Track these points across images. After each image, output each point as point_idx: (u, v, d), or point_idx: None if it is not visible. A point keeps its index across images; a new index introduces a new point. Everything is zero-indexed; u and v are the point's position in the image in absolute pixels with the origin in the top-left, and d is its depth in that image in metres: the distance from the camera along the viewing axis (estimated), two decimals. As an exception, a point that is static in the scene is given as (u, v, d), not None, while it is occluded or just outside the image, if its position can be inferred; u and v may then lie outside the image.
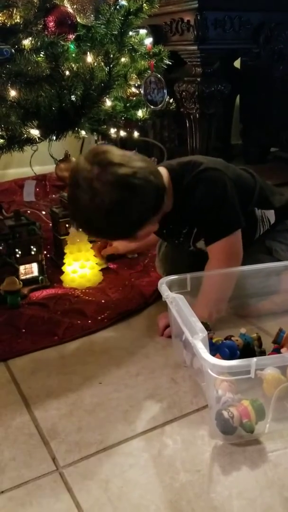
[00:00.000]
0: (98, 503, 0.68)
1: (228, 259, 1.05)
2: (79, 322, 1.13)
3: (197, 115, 1.89)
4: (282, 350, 0.93)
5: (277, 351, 0.94)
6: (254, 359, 0.73)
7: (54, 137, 1.37)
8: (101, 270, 1.35)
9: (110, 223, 0.96)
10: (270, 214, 1.16)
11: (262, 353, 0.95)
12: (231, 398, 0.78)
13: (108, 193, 0.92)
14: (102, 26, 1.36)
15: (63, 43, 1.24)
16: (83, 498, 0.69)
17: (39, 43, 1.20)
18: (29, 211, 1.78)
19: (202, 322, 0.83)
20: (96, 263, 1.34)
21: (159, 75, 1.55)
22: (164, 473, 0.72)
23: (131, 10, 1.41)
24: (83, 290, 1.27)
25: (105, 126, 1.70)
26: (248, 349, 0.94)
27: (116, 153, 0.96)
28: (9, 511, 0.68)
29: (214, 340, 0.95)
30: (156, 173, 1.01)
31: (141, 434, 0.80)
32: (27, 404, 0.89)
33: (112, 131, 1.77)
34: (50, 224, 1.51)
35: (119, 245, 1.37)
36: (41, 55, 1.21)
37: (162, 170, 1.05)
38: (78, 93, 1.29)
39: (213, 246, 1.05)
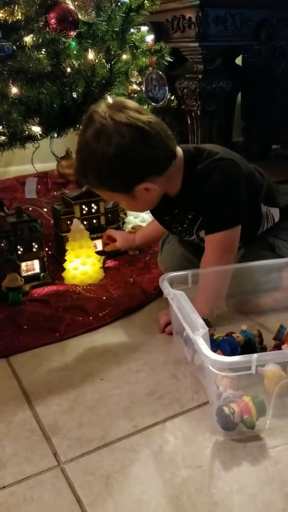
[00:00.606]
0: (99, 499, 0.68)
1: (223, 252, 1.05)
2: (80, 318, 1.13)
3: (199, 112, 1.89)
4: (283, 346, 0.93)
5: (278, 347, 0.94)
6: (255, 355, 0.73)
7: (56, 134, 1.37)
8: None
9: (112, 167, 0.94)
10: (275, 212, 1.16)
11: (263, 349, 0.95)
12: (232, 394, 0.78)
13: (117, 133, 0.91)
14: (104, 23, 1.36)
15: (64, 40, 1.24)
16: (84, 493, 0.69)
17: (40, 40, 1.21)
18: (30, 208, 1.78)
19: (203, 319, 0.83)
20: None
21: (160, 72, 1.55)
22: (165, 469, 0.73)
23: (133, 7, 1.41)
24: (85, 287, 1.28)
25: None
26: (249, 346, 0.94)
27: (135, 104, 0.97)
28: (11, 506, 0.68)
29: (215, 337, 0.95)
30: (171, 138, 1.00)
31: (142, 430, 0.80)
32: (29, 400, 0.89)
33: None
34: (52, 221, 1.52)
35: (120, 242, 1.37)
36: (43, 52, 1.21)
37: (178, 149, 1.04)
38: (80, 90, 1.30)
39: (211, 236, 1.05)
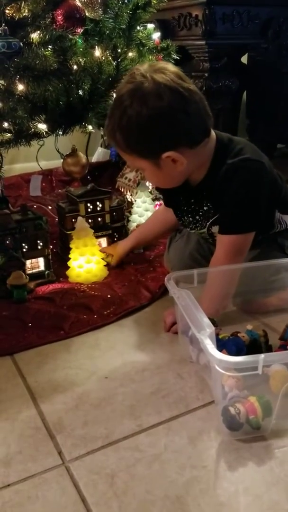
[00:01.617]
0: (104, 498, 0.68)
1: (235, 255, 1.04)
2: (85, 317, 1.13)
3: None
4: (289, 346, 0.92)
5: (283, 347, 0.94)
6: (262, 355, 0.72)
7: (61, 132, 1.37)
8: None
9: (143, 129, 0.90)
10: (287, 218, 1.15)
11: (269, 349, 0.94)
12: (238, 394, 0.78)
13: (155, 94, 0.89)
14: (110, 20, 1.35)
15: (71, 37, 1.24)
16: (89, 492, 0.69)
17: (47, 37, 1.19)
18: (35, 206, 1.78)
19: (209, 318, 0.82)
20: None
21: (166, 70, 1.54)
22: (170, 468, 0.72)
23: (139, 4, 1.40)
24: (89, 285, 1.27)
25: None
26: (255, 346, 0.93)
27: (179, 70, 0.94)
28: (15, 504, 0.68)
29: (220, 336, 0.95)
30: (208, 114, 0.97)
31: (147, 429, 0.80)
32: (34, 398, 0.89)
33: (119, 126, 1.76)
34: (56, 219, 1.52)
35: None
36: (49, 49, 1.20)
37: (212, 132, 1.01)
38: (86, 87, 1.29)
39: (225, 237, 1.04)
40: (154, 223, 1.36)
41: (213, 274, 1.04)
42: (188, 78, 0.95)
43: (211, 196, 1.05)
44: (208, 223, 1.09)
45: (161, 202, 1.68)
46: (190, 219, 1.12)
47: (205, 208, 1.08)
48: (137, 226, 1.51)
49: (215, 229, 1.09)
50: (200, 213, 1.09)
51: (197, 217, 1.11)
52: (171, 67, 0.94)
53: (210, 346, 0.75)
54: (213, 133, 1.02)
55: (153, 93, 0.89)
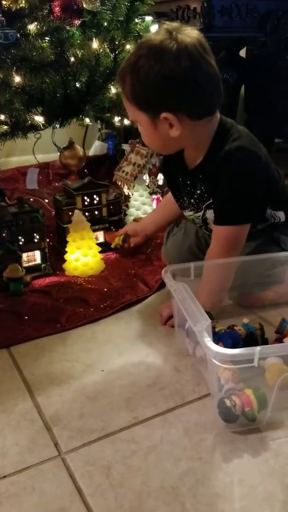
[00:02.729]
0: (100, 489, 0.69)
1: (230, 247, 1.04)
2: (81, 310, 1.13)
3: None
4: (285, 340, 0.93)
5: (279, 340, 0.94)
6: (258, 348, 0.73)
7: (58, 125, 1.37)
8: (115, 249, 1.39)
9: (151, 82, 0.91)
10: (281, 214, 1.14)
11: (265, 342, 0.95)
12: (234, 386, 0.78)
13: (174, 56, 0.90)
14: (108, 12, 1.35)
15: (68, 28, 1.23)
16: (85, 483, 0.70)
17: (44, 28, 1.19)
18: (31, 199, 1.78)
19: (206, 311, 0.83)
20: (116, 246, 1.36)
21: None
22: (166, 460, 0.73)
23: (137, -4, 1.40)
24: (86, 278, 1.27)
25: (109, 114, 1.69)
26: (251, 339, 0.94)
27: (207, 45, 0.95)
28: (12, 495, 0.68)
29: (217, 329, 0.95)
30: (219, 94, 0.97)
31: (143, 421, 0.80)
32: (30, 390, 0.89)
33: (116, 119, 1.76)
34: (53, 212, 1.51)
35: (139, 238, 1.35)
36: (46, 40, 1.20)
37: (217, 114, 1.01)
38: (83, 79, 1.29)
39: (220, 228, 1.03)
40: (166, 208, 1.35)
41: (210, 268, 1.04)
42: (210, 51, 0.95)
43: (205, 181, 1.05)
44: (203, 206, 1.09)
45: (158, 196, 1.68)
46: (187, 201, 1.12)
47: (198, 191, 1.08)
48: (134, 220, 1.51)
49: (209, 214, 1.08)
50: (195, 196, 1.09)
51: (192, 200, 1.11)
52: (198, 35, 0.94)
53: (206, 339, 0.75)
54: (218, 116, 1.02)
55: (172, 54, 0.90)
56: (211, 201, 1.06)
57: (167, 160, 1.15)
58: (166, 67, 0.90)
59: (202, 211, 1.10)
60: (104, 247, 1.41)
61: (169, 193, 1.24)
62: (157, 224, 1.37)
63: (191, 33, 0.93)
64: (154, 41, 0.92)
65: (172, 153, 1.06)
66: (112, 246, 1.39)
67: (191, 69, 0.90)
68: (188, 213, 1.16)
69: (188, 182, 1.09)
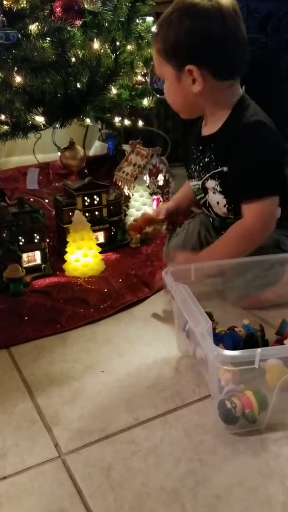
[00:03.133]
0: (100, 490, 0.69)
1: (265, 222, 1.06)
2: (81, 310, 1.13)
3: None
4: (286, 341, 0.93)
5: (280, 342, 0.94)
6: (259, 349, 0.73)
7: (59, 125, 1.37)
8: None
9: (180, 33, 0.97)
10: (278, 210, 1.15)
11: (265, 344, 0.95)
12: (234, 388, 0.78)
13: (208, 15, 0.96)
14: (109, 12, 1.35)
15: (69, 29, 1.23)
16: (85, 484, 0.70)
17: (45, 29, 1.19)
18: (32, 199, 1.78)
19: (206, 312, 0.83)
20: (131, 241, 1.41)
21: (165, 64, 1.53)
22: (166, 461, 0.73)
23: (139, -4, 1.40)
24: (86, 279, 1.27)
25: (109, 115, 1.70)
26: (251, 340, 0.94)
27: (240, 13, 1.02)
28: (12, 496, 0.68)
29: (217, 331, 0.95)
30: (244, 62, 1.05)
31: (143, 423, 0.80)
32: (30, 391, 0.89)
33: (117, 119, 1.76)
34: (53, 212, 1.51)
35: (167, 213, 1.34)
36: (47, 40, 1.20)
37: (239, 86, 1.07)
38: (84, 80, 1.29)
39: (250, 206, 1.05)
40: (185, 186, 1.35)
41: (229, 237, 1.08)
42: (242, 19, 1.02)
43: (216, 150, 1.09)
44: (208, 175, 1.11)
45: (159, 196, 1.68)
46: (194, 167, 1.16)
47: (207, 159, 1.11)
48: (134, 220, 1.51)
49: (209, 184, 1.11)
50: (201, 164, 1.12)
51: (198, 167, 1.14)
52: (236, 4, 1.01)
53: (207, 340, 0.75)
54: (240, 89, 1.07)
55: (206, 11, 0.96)
56: (217, 170, 1.08)
57: (189, 127, 1.21)
58: (198, 21, 0.96)
59: (203, 179, 1.12)
60: (105, 247, 1.41)
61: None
62: (176, 201, 1.37)
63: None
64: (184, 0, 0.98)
65: (191, 116, 1.12)
66: (147, 231, 1.39)
67: (221, 28, 0.97)
68: (193, 183, 1.19)
69: (200, 148, 1.13)
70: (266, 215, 1.06)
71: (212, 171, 1.09)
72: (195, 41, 0.98)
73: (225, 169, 1.07)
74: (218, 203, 1.14)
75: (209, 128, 1.10)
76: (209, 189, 1.12)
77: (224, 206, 1.13)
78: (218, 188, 1.11)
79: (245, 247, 1.07)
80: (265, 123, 1.04)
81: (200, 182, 1.14)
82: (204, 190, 1.14)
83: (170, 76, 1.05)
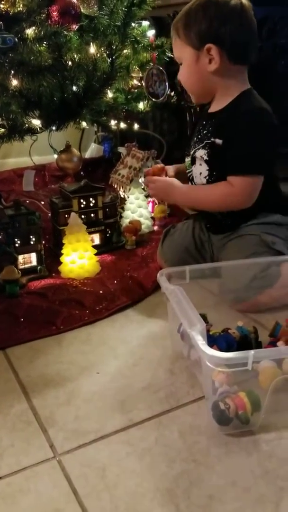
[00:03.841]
0: (95, 490, 0.69)
1: (248, 195, 1.13)
2: (77, 312, 1.14)
3: (198, 108, 1.89)
4: (279, 343, 0.93)
5: (273, 344, 0.95)
6: (252, 351, 0.74)
7: (55, 128, 1.37)
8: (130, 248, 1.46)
9: (203, 13, 1.10)
10: None
11: (259, 346, 0.96)
12: (228, 389, 0.79)
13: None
14: (106, 17, 1.36)
15: (66, 33, 1.24)
16: (80, 485, 0.70)
17: (42, 33, 1.20)
18: (28, 201, 1.78)
19: (201, 314, 0.84)
20: (127, 243, 1.44)
21: (161, 68, 1.55)
22: (160, 462, 0.74)
23: (135, 1, 1.41)
24: (81, 281, 1.28)
25: (105, 118, 1.70)
26: (245, 342, 0.95)
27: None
28: (7, 496, 0.69)
29: (211, 332, 0.96)
30: (255, 51, 1.14)
31: (138, 424, 0.81)
32: (26, 392, 0.90)
33: (113, 122, 1.77)
34: (49, 214, 1.52)
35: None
36: (44, 44, 1.21)
37: (246, 79, 1.17)
38: (81, 83, 1.30)
39: (238, 178, 1.12)
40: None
41: (212, 186, 1.16)
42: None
43: (216, 123, 1.17)
44: (201, 145, 1.19)
45: (154, 199, 1.69)
46: (192, 142, 1.24)
47: (205, 131, 1.19)
48: (130, 222, 1.52)
49: (198, 153, 1.19)
50: (199, 136, 1.20)
51: (196, 138, 1.22)
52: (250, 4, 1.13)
53: (201, 342, 0.76)
54: (247, 82, 1.17)
55: (229, 3, 1.09)
56: (210, 140, 1.17)
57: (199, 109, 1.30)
58: (221, 8, 1.09)
59: (195, 149, 1.20)
60: (100, 249, 1.41)
61: None
62: (178, 167, 1.41)
63: None
64: None
65: (203, 98, 1.22)
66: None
67: (240, 12, 1.10)
68: (187, 159, 1.26)
69: (204, 122, 1.22)
70: (251, 189, 1.13)
71: (205, 141, 1.17)
72: (217, 23, 1.09)
73: (217, 141, 1.15)
74: (200, 173, 1.20)
75: (214, 107, 1.19)
76: (197, 159, 1.20)
77: (205, 177, 1.20)
78: (205, 157, 1.18)
79: (222, 205, 1.17)
80: (270, 111, 1.13)
81: (191, 152, 1.22)
82: (193, 160, 1.22)
83: (188, 57, 1.15)
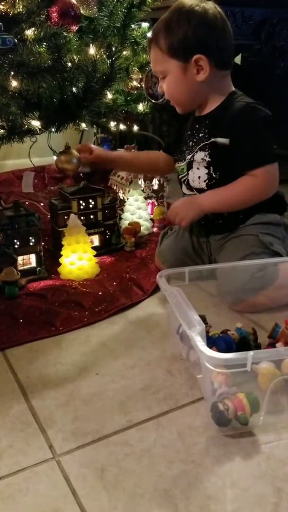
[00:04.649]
0: (94, 491, 0.69)
1: (271, 183, 1.15)
2: (76, 313, 1.14)
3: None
4: (277, 344, 0.94)
5: (272, 345, 0.95)
6: (251, 352, 0.74)
7: (55, 129, 1.37)
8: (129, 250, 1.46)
9: (188, 27, 1.09)
10: None
11: (258, 347, 0.96)
12: (227, 390, 0.79)
13: (204, 11, 1.10)
14: (105, 18, 1.36)
15: (65, 34, 1.24)
16: (79, 485, 0.70)
17: (42, 34, 1.20)
18: (27, 202, 1.78)
19: (200, 316, 0.84)
20: (126, 244, 1.45)
21: (160, 69, 1.55)
22: (159, 463, 0.74)
23: (134, 2, 1.42)
24: (81, 282, 1.28)
25: (105, 119, 1.71)
26: (244, 343, 0.95)
27: None
28: (6, 497, 0.69)
29: (210, 334, 0.96)
30: (233, 57, 1.21)
31: (137, 425, 0.81)
32: (25, 393, 0.90)
33: (112, 124, 1.77)
34: (48, 216, 1.52)
35: (95, 154, 1.39)
36: (44, 45, 1.21)
37: (230, 81, 1.20)
38: (80, 85, 1.30)
39: (258, 170, 1.12)
40: (142, 155, 1.50)
41: (236, 184, 1.14)
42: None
43: (210, 124, 1.18)
44: (198, 148, 1.19)
45: (153, 200, 1.70)
46: (186, 147, 1.24)
47: (200, 134, 1.19)
48: (129, 224, 1.52)
49: (198, 156, 1.19)
50: (195, 140, 1.21)
51: (191, 143, 1.22)
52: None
53: (200, 343, 0.76)
54: (231, 83, 1.20)
55: (207, 12, 1.11)
56: (209, 141, 1.17)
57: (182, 117, 1.28)
58: (204, 18, 1.09)
59: (193, 153, 1.20)
60: (99, 250, 1.42)
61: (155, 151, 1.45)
62: (121, 159, 1.46)
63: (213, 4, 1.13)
64: (183, 3, 1.11)
65: (191, 106, 1.22)
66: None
67: (222, 23, 1.12)
68: (180, 164, 1.27)
69: (197, 126, 1.21)
70: (274, 177, 1.15)
71: (203, 143, 1.18)
72: (203, 34, 1.09)
73: (221, 140, 1.15)
74: (199, 177, 1.20)
75: (204, 110, 1.20)
76: (195, 162, 1.20)
77: (204, 181, 1.19)
78: (207, 159, 1.17)
79: (249, 198, 1.16)
80: (261, 106, 1.16)
81: (188, 157, 1.22)
82: (189, 165, 1.22)
83: (175, 70, 1.14)
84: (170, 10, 1.13)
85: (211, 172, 1.18)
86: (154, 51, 1.16)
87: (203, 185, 1.20)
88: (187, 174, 1.24)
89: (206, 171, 1.18)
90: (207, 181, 1.19)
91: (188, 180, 1.24)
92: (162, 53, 1.14)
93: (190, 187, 1.24)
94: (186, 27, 1.09)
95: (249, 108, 1.14)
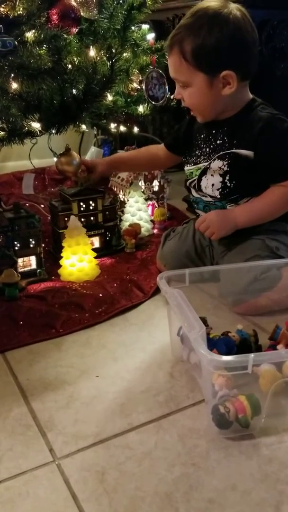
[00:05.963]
0: (94, 494, 0.69)
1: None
2: (76, 315, 1.14)
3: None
4: (278, 346, 0.93)
5: (273, 347, 0.95)
6: (252, 355, 0.73)
7: (55, 131, 1.37)
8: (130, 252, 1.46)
9: (222, 42, 1.03)
10: None
11: (259, 349, 0.95)
12: (228, 393, 0.79)
13: (236, 21, 1.04)
14: (105, 20, 1.36)
15: (66, 36, 1.24)
16: (79, 489, 0.70)
17: (42, 36, 1.20)
18: (27, 204, 1.78)
19: (200, 318, 0.83)
20: (126, 246, 1.45)
21: (160, 71, 1.55)
22: (159, 466, 0.73)
23: (135, 4, 1.42)
24: (81, 284, 1.28)
25: (105, 121, 1.71)
26: (245, 345, 0.95)
27: None
28: (6, 500, 0.69)
29: (211, 336, 0.96)
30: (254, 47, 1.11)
31: (138, 427, 0.81)
32: (25, 395, 0.89)
33: (112, 126, 1.77)
34: (49, 217, 1.52)
35: (97, 173, 1.40)
36: (44, 47, 1.21)
37: (248, 90, 1.16)
38: (80, 87, 1.30)
39: (280, 185, 1.12)
40: (141, 153, 1.46)
41: (268, 194, 1.14)
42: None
43: (230, 132, 1.15)
44: (216, 156, 1.16)
45: (154, 202, 1.69)
46: (200, 151, 1.21)
47: (219, 141, 1.16)
48: (129, 226, 1.52)
49: (215, 164, 1.16)
50: (212, 146, 1.18)
51: (208, 149, 1.19)
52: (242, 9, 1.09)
53: (201, 346, 0.76)
54: (248, 90, 1.16)
55: (238, 21, 1.04)
56: (230, 151, 1.15)
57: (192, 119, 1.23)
58: (232, 25, 1.03)
59: (210, 160, 1.17)
60: (100, 252, 1.41)
61: (153, 146, 1.42)
62: (117, 161, 1.45)
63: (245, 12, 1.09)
64: (209, 8, 1.04)
65: (213, 117, 1.16)
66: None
67: (251, 34, 1.06)
68: (189, 167, 1.23)
69: (214, 132, 1.18)
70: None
71: (222, 152, 1.15)
72: (237, 48, 1.04)
73: (244, 152, 1.12)
74: (213, 185, 1.18)
75: (221, 115, 1.16)
76: (210, 170, 1.17)
77: (218, 189, 1.17)
78: (225, 168, 1.15)
79: (283, 209, 1.15)
80: (284, 117, 1.13)
81: (204, 164, 1.19)
82: (204, 172, 1.19)
83: (199, 83, 1.08)
84: (194, 13, 1.05)
85: (226, 181, 1.15)
86: (175, 59, 1.08)
87: (216, 193, 1.18)
88: (199, 179, 1.21)
89: (221, 179, 1.16)
90: (220, 190, 1.17)
91: (197, 185, 1.22)
92: (187, 63, 1.07)
93: (201, 191, 1.22)
94: (218, 36, 1.02)
95: (275, 121, 1.12)
